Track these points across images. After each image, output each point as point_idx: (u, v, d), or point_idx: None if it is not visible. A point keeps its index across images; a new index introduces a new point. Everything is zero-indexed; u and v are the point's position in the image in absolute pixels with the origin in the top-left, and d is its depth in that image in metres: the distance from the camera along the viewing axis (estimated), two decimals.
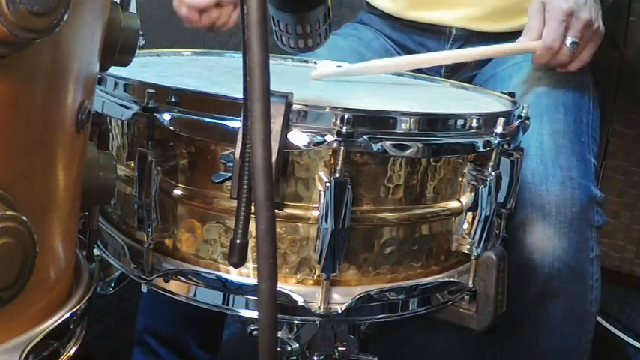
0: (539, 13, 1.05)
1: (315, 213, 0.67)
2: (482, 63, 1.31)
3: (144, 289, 0.74)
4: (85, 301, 0.48)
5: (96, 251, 0.81)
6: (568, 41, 1.03)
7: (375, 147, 0.65)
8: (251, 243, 0.62)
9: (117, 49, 0.50)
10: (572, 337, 1.03)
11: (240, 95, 0.54)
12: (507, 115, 0.77)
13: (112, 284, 1.45)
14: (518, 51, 1.11)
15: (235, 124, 0.65)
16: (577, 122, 1.10)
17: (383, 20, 1.39)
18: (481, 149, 0.73)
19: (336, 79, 1.04)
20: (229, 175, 0.66)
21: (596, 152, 1.11)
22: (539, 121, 1.07)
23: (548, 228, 0.97)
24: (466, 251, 0.77)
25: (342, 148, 0.64)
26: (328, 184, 0.65)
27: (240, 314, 0.72)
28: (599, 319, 1.67)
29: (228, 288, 0.71)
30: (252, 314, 0.72)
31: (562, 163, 1.01)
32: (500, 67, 1.24)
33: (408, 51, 1.34)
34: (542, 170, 1.00)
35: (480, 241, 0.76)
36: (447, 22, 1.29)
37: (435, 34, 1.31)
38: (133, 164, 0.74)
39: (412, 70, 1.32)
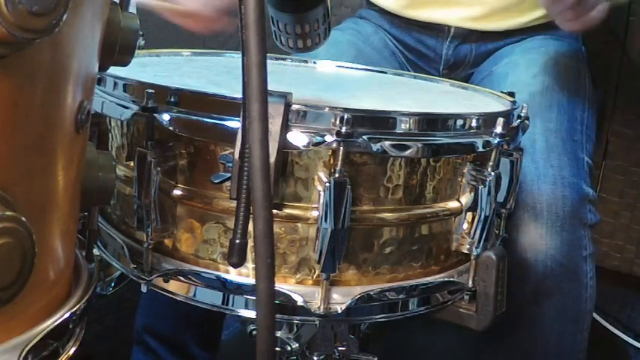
0: None
1: (315, 213, 0.67)
2: (479, 61, 1.32)
3: (143, 289, 0.74)
4: (84, 301, 0.48)
5: (96, 251, 0.81)
6: None
7: (375, 147, 0.65)
8: (250, 243, 0.62)
9: (116, 49, 0.50)
10: (568, 335, 1.03)
11: (240, 95, 0.54)
12: (507, 115, 0.77)
13: (112, 284, 1.45)
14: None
15: (234, 124, 0.65)
16: (571, 120, 1.10)
17: (382, 16, 1.39)
18: (481, 149, 0.73)
19: (335, 79, 1.04)
20: (229, 175, 0.66)
21: (590, 151, 1.11)
22: (533, 120, 1.06)
23: (540, 227, 0.98)
24: (466, 251, 0.77)
25: (341, 148, 0.64)
26: (328, 184, 0.65)
27: (240, 314, 0.72)
28: (599, 319, 1.67)
29: (228, 288, 0.71)
30: (252, 314, 0.72)
31: (554, 162, 1.01)
32: (497, 65, 1.24)
33: (407, 46, 1.35)
34: (534, 170, 1.00)
35: (479, 241, 0.76)
36: (446, 20, 1.29)
37: (433, 32, 1.31)
38: (132, 164, 0.74)
39: (413, 68, 1.33)
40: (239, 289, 0.71)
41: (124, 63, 0.52)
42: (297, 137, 0.64)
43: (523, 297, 1.01)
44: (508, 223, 0.99)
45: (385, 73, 1.16)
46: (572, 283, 1.01)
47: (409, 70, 1.31)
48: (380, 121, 0.68)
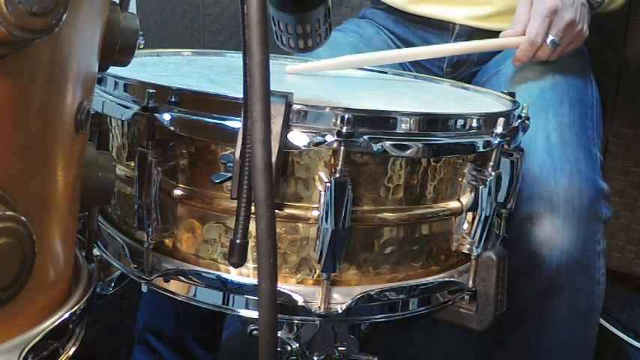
0: (526, 8, 1.08)
1: (315, 213, 0.67)
2: (484, 59, 1.32)
3: (144, 289, 0.74)
4: (84, 301, 0.48)
5: (96, 251, 0.81)
6: (549, 39, 1.06)
7: (375, 147, 0.65)
8: (251, 243, 0.62)
9: (116, 49, 0.50)
10: (578, 331, 1.03)
11: (240, 95, 0.54)
12: (507, 115, 0.77)
13: (112, 284, 1.45)
14: (502, 46, 1.13)
15: (235, 124, 0.65)
16: (582, 116, 1.10)
17: (387, 14, 1.39)
18: (481, 149, 0.73)
19: (335, 79, 1.04)
20: (229, 175, 0.66)
21: (600, 146, 1.11)
22: (545, 115, 1.07)
23: (556, 220, 0.97)
24: (466, 251, 0.77)
25: (342, 148, 0.64)
26: (328, 184, 0.65)
27: (240, 314, 0.72)
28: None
29: (229, 288, 0.71)
30: (253, 314, 0.72)
31: (569, 156, 1.01)
32: (503, 64, 1.25)
33: (411, 45, 1.35)
34: (550, 163, 1.00)
35: (480, 241, 0.76)
36: (452, 18, 1.30)
37: (438, 30, 1.31)
38: (133, 164, 0.74)
39: (414, 69, 1.33)
40: (240, 289, 0.71)
41: (124, 63, 0.52)
42: (298, 137, 0.64)
43: (535, 291, 1.00)
44: (521, 217, 0.98)
45: (385, 73, 1.16)
46: (585, 278, 1.00)
47: (412, 71, 1.31)
48: (381, 121, 0.68)
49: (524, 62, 1.11)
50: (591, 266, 1.00)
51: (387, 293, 0.72)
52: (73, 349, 0.46)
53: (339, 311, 0.69)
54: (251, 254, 0.67)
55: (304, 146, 0.65)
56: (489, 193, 0.74)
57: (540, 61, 1.15)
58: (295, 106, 0.64)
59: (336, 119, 0.64)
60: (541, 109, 1.07)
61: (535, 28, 1.06)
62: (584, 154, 1.03)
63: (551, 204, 0.97)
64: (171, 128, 0.68)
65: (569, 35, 1.09)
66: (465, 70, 1.33)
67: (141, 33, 0.67)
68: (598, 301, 1.03)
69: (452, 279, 0.78)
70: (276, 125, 0.62)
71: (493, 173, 0.74)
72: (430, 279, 0.76)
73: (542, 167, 1.00)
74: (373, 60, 1.09)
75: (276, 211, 0.67)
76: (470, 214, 0.76)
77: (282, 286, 0.69)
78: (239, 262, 0.58)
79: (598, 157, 1.07)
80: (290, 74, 1.00)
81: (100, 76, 0.76)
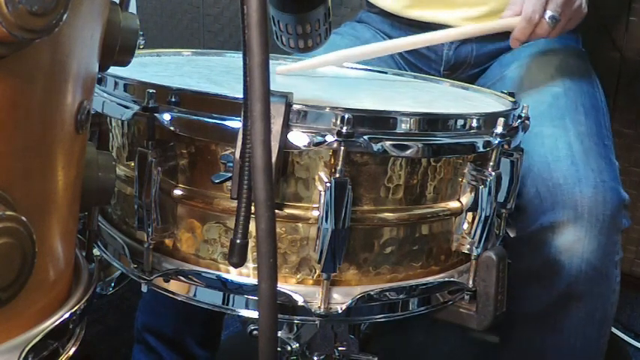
0: None
1: (315, 213, 0.67)
2: (481, 61, 1.31)
3: (144, 289, 0.74)
4: (84, 301, 0.48)
5: (96, 251, 0.81)
6: (547, 14, 1.04)
7: (375, 147, 0.65)
8: (251, 243, 0.62)
9: (116, 49, 0.50)
10: (592, 337, 1.03)
11: (240, 95, 0.54)
12: (507, 115, 0.77)
13: (112, 284, 1.45)
14: (500, 28, 1.11)
15: (235, 124, 0.65)
16: (597, 125, 1.10)
17: (382, 18, 1.39)
18: (481, 149, 0.73)
19: (335, 79, 1.04)
20: (229, 175, 0.66)
21: (615, 154, 1.11)
22: (563, 122, 1.06)
23: (579, 230, 0.97)
24: (466, 251, 0.77)
25: (342, 148, 0.64)
26: (328, 184, 0.65)
27: (240, 314, 0.72)
28: None
29: (229, 288, 0.71)
30: (252, 314, 0.72)
31: (593, 166, 1.01)
32: (507, 69, 1.24)
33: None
34: (574, 172, 1.00)
35: (480, 241, 0.76)
36: (447, 21, 1.29)
37: None
38: (133, 164, 0.74)
39: (412, 70, 1.32)
40: (240, 289, 0.71)
41: (124, 63, 0.52)
42: (298, 137, 0.64)
43: (552, 298, 1.01)
44: (542, 225, 0.99)
45: (386, 73, 1.16)
46: (603, 287, 1.01)
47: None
48: (381, 121, 0.68)
49: (522, 41, 1.08)
50: (609, 275, 1.01)
51: (387, 293, 0.72)
52: (73, 349, 0.46)
53: (339, 311, 0.69)
54: (251, 254, 0.67)
55: (304, 146, 0.65)
56: (489, 193, 0.74)
57: (543, 63, 1.13)
58: (295, 106, 0.64)
59: (336, 119, 0.64)
60: (556, 117, 1.07)
61: (532, 4, 1.03)
62: (606, 164, 1.03)
63: (575, 213, 0.97)
64: (172, 128, 0.68)
65: (568, 11, 1.06)
66: (463, 73, 1.33)
67: (141, 33, 0.67)
68: (612, 309, 1.04)
69: (452, 279, 0.78)
70: (276, 125, 0.62)
71: (493, 173, 0.74)
72: (430, 279, 0.76)
73: (566, 176, 0.99)
74: (364, 54, 1.07)
75: (276, 211, 0.67)
76: (470, 214, 0.76)
77: (282, 286, 0.69)
78: (239, 262, 0.58)
79: (617, 166, 1.06)
80: (283, 74, 0.99)
81: (100, 76, 0.76)
